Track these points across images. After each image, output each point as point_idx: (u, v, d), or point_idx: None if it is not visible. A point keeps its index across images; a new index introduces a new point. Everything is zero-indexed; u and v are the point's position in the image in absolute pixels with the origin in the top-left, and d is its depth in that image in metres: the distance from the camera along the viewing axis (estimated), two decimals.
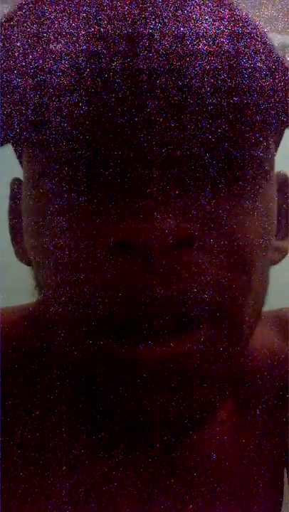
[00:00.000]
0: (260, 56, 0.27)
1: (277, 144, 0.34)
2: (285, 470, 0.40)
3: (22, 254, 0.36)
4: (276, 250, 0.36)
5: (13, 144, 0.35)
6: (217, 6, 0.27)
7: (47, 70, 0.27)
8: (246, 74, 0.27)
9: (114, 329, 0.28)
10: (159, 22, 0.26)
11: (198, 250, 0.27)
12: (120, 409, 0.30)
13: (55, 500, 0.35)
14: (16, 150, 0.36)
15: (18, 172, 0.36)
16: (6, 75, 0.27)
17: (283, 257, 0.37)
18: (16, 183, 0.39)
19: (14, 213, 0.38)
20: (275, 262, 0.36)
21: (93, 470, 0.35)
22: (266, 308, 0.40)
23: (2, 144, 0.29)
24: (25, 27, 0.28)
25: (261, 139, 0.29)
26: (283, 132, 0.34)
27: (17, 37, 0.28)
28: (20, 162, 0.35)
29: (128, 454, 0.35)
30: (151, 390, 0.28)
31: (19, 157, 0.36)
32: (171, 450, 0.36)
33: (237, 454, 0.37)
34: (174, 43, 0.26)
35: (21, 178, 0.36)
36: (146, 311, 0.27)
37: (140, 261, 0.26)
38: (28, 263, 0.35)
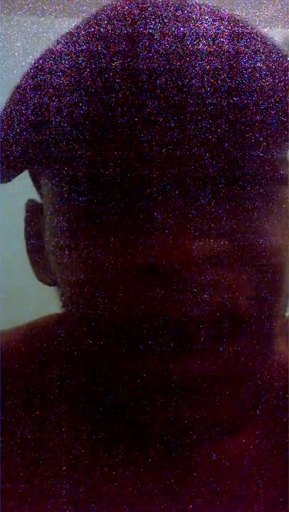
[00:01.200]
0: (260, 56, 0.27)
1: (285, 143, 0.34)
2: None
3: (43, 275, 0.36)
4: None
5: (32, 170, 0.34)
6: (217, 6, 0.27)
7: (47, 70, 0.27)
8: (246, 74, 0.27)
9: (138, 344, 0.28)
10: (159, 22, 0.26)
11: (220, 264, 0.28)
12: (120, 409, 0.30)
13: (55, 500, 0.35)
14: (33, 174, 0.35)
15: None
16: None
17: None
18: (30, 204, 0.38)
19: (31, 235, 0.38)
20: None
21: (93, 470, 0.35)
22: None
23: (20, 171, 0.29)
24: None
25: (261, 139, 0.29)
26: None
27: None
28: (37, 186, 0.35)
29: (128, 454, 0.35)
30: (153, 394, 0.28)
31: (37, 182, 0.35)
32: (171, 450, 0.36)
33: (237, 454, 0.37)
34: (174, 43, 0.26)
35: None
36: (170, 326, 0.27)
37: (170, 282, 0.27)
38: (51, 283, 0.35)
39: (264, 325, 0.30)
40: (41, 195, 0.35)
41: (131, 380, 0.29)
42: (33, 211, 0.38)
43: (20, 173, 0.31)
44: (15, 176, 0.30)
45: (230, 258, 0.28)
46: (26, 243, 0.38)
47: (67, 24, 0.30)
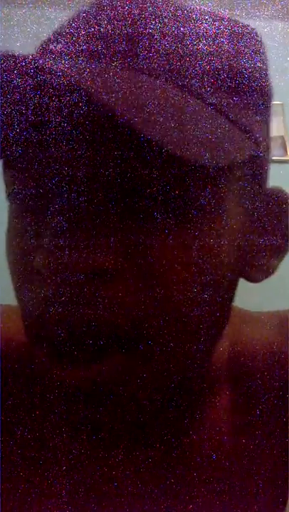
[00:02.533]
0: (260, 56, 0.27)
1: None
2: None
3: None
4: (259, 268, 0.34)
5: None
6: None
7: (47, 70, 0.27)
8: (246, 74, 0.27)
9: (47, 347, 0.29)
10: (159, 22, 0.26)
11: (111, 278, 0.27)
12: (120, 409, 0.30)
13: (55, 500, 0.35)
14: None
15: None
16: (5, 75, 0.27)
17: (267, 276, 0.34)
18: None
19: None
20: (255, 280, 0.34)
21: (93, 470, 0.35)
22: (267, 309, 0.40)
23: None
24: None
25: (261, 139, 0.29)
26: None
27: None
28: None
29: (128, 454, 0.35)
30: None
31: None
32: (171, 450, 0.36)
33: (237, 454, 0.37)
34: (174, 43, 0.26)
35: None
36: (63, 334, 0.28)
37: (57, 289, 0.27)
38: None
39: (160, 332, 0.29)
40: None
41: (131, 380, 0.29)
42: None
43: None
44: None
45: (121, 275, 0.28)
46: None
47: (67, 24, 0.30)
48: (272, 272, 0.34)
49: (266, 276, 0.34)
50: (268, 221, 0.33)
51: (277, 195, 0.34)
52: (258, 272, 0.34)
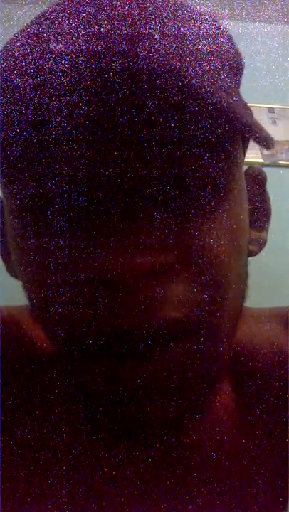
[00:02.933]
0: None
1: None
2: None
3: (12, 270, 0.36)
4: (254, 242, 0.37)
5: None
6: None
7: (47, 70, 0.27)
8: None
9: (94, 347, 0.29)
10: (159, 22, 0.26)
11: (167, 276, 0.28)
12: (120, 409, 0.30)
13: (55, 500, 0.35)
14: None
15: None
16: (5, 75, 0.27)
17: (261, 248, 0.38)
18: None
19: (3, 230, 0.38)
20: (253, 254, 0.36)
21: (93, 470, 0.35)
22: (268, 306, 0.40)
23: None
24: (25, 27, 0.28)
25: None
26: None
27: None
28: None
29: (128, 454, 0.35)
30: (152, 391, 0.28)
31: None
32: (171, 450, 0.36)
33: (237, 453, 0.37)
34: (174, 43, 0.26)
35: None
36: (121, 333, 0.28)
37: (115, 292, 0.27)
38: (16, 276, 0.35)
39: (212, 325, 0.30)
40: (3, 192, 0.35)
41: (131, 380, 0.29)
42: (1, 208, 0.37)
43: None
44: None
45: (181, 268, 0.28)
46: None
47: (67, 24, 0.30)
48: (265, 244, 0.37)
49: (261, 249, 0.37)
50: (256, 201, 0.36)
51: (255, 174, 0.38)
52: (255, 246, 0.36)
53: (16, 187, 0.30)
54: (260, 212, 0.38)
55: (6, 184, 0.31)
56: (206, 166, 0.28)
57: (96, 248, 0.27)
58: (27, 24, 0.30)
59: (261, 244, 0.37)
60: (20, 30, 0.30)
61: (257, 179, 0.38)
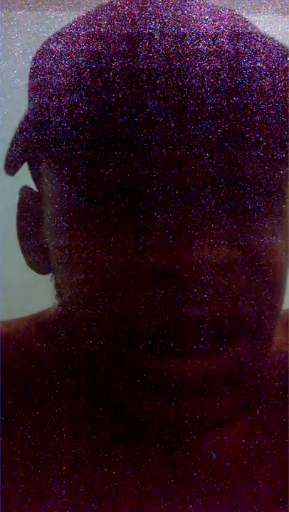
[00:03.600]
0: (260, 56, 0.27)
1: (284, 143, 0.34)
2: None
3: (37, 263, 0.36)
4: None
5: (30, 163, 0.34)
6: (217, 6, 0.27)
7: (47, 70, 0.27)
8: (246, 74, 0.26)
9: (151, 342, 0.28)
10: (159, 22, 0.26)
11: (232, 271, 0.28)
12: (121, 410, 0.30)
13: (55, 500, 0.35)
14: (31, 165, 0.35)
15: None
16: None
17: None
18: (25, 191, 0.38)
19: (24, 221, 0.37)
20: None
21: (93, 470, 0.35)
22: None
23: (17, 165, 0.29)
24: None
25: (261, 139, 0.29)
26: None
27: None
28: (34, 175, 0.35)
29: (128, 454, 0.35)
30: (156, 393, 0.29)
31: (34, 170, 0.35)
32: (171, 450, 0.36)
33: (237, 454, 0.37)
34: (174, 43, 0.26)
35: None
36: (183, 327, 0.28)
37: (182, 287, 0.27)
38: (44, 271, 0.35)
39: (264, 325, 0.30)
40: (38, 184, 0.35)
41: (131, 380, 0.29)
42: (29, 198, 0.37)
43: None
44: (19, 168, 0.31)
45: (237, 263, 0.29)
46: (19, 229, 0.38)
47: (67, 24, 0.30)
48: None
49: None
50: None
51: None
52: None
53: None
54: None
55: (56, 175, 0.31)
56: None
57: (162, 241, 0.27)
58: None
59: None
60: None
61: None
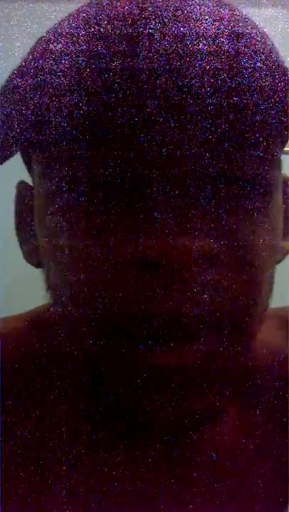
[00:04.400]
0: (260, 56, 0.27)
1: (283, 143, 0.34)
2: None
3: (31, 256, 0.36)
4: (279, 249, 0.36)
5: (24, 151, 0.34)
6: (217, 6, 0.27)
7: (47, 70, 0.27)
8: (246, 74, 0.26)
9: (130, 332, 0.28)
10: (159, 22, 0.26)
11: (213, 262, 0.28)
12: (121, 409, 0.30)
13: (55, 500, 0.35)
14: (25, 154, 0.35)
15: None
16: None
17: (284, 256, 0.37)
18: (22, 185, 0.38)
19: (21, 215, 0.38)
20: (277, 262, 0.36)
21: (93, 470, 0.35)
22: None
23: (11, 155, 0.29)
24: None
25: (261, 139, 0.29)
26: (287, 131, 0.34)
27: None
28: (28, 167, 0.35)
29: (128, 454, 0.35)
30: (152, 391, 0.28)
31: (28, 161, 0.35)
32: (171, 450, 0.36)
33: (237, 454, 0.37)
34: (174, 43, 0.26)
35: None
36: (163, 316, 0.27)
37: (162, 276, 0.27)
38: (38, 264, 0.35)
39: (244, 321, 0.30)
40: (33, 178, 0.35)
41: (131, 379, 0.29)
42: (25, 192, 0.37)
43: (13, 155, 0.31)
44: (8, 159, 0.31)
45: (227, 258, 0.29)
46: (16, 223, 0.38)
47: (67, 24, 0.30)
48: (287, 253, 0.37)
49: (285, 257, 0.37)
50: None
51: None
52: (280, 254, 0.36)
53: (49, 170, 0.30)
54: (285, 220, 0.38)
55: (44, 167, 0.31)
56: (206, 166, 0.28)
57: (143, 230, 0.27)
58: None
59: (285, 253, 0.37)
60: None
61: (285, 187, 0.38)
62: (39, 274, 0.35)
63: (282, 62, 0.28)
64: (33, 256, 0.36)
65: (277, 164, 0.32)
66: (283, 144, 0.34)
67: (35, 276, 0.35)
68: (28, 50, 0.30)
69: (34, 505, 0.35)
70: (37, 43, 0.30)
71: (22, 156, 0.35)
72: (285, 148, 0.33)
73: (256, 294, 0.30)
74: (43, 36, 0.30)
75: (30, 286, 0.36)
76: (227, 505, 0.36)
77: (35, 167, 0.32)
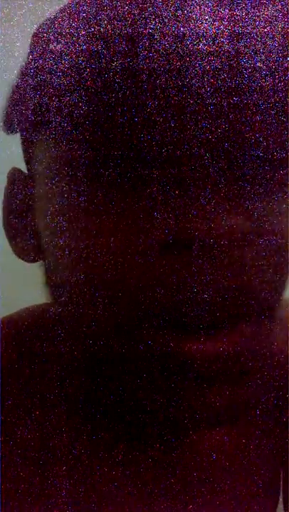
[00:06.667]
0: (260, 56, 0.27)
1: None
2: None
3: (26, 251, 0.35)
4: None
5: (23, 139, 0.33)
6: (217, 6, 0.27)
7: (47, 70, 0.27)
8: (246, 74, 0.27)
9: (163, 322, 0.27)
10: (159, 22, 0.26)
11: (250, 247, 0.28)
12: (121, 409, 0.30)
13: (55, 500, 0.35)
14: (26, 148, 0.34)
15: None
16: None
17: None
18: (15, 173, 0.36)
19: (12, 207, 0.36)
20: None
21: (93, 470, 0.35)
22: None
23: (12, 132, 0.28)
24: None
25: (261, 139, 0.29)
26: None
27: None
28: (28, 162, 0.34)
29: (128, 454, 0.35)
30: (155, 390, 0.28)
31: (28, 156, 0.34)
32: (171, 450, 0.36)
33: (237, 454, 0.37)
34: (174, 43, 0.26)
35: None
36: (187, 308, 0.27)
37: (193, 259, 0.26)
38: (33, 260, 0.34)
39: (271, 305, 0.30)
40: (30, 165, 0.34)
41: (131, 379, 0.29)
42: (19, 181, 0.36)
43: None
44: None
45: (250, 238, 0.28)
46: (4, 215, 0.36)
47: (67, 24, 0.30)
48: None
49: None
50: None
51: None
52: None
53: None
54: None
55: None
56: (206, 166, 0.28)
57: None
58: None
59: None
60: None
61: None
62: (36, 272, 0.34)
63: (283, 62, 0.28)
64: (26, 249, 0.35)
65: (281, 163, 0.31)
66: (285, 144, 0.33)
67: (33, 275, 0.34)
68: (28, 49, 0.30)
69: (34, 505, 0.35)
70: (36, 42, 0.30)
71: (22, 138, 0.34)
72: None
73: (285, 286, 0.30)
74: (42, 35, 0.30)
75: (28, 285, 0.35)
76: (227, 506, 0.36)
77: (47, 171, 0.31)
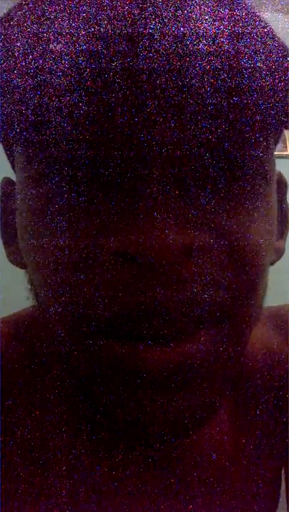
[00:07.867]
0: (260, 56, 0.27)
1: (276, 142, 0.34)
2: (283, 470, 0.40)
3: (15, 257, 0.36)
4: (274, 250, 0.36)
5: (6, 146, 0.34)
6: (217, 6, 0.27)
7: (47, 70, 0.27)
8: (246, 74, 0.27)
9: (116, 330, 0.28)
10: (159, 22, 0.26)
11: (201, 256, 0.28)
12: (120, 409, 0.30)
13: (55, 500, 0.35)
14: (8, 152, 0.35)
15: None
16: (6, 75, 0.27)
17: (280, 257, 0.37)
18: (6, 182, 0.38)
19: (5, 214, 0.38)
20: (272, 262, 0.36)
21: (93, 470, 0.35)
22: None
23: None
24: (25, 27, 0.28)
25: (261, 139, 0.29)
26: (282, 131, 0.34)
27: (16, 37, 0.28)
28: (13, 164, 0.35)
29: (128, 454, 0.35)
30: (152, 390, 0.28)
31: (11, 159, 0.35)
32: (171, 450, 0.36)
33: (237, 454, 0.37)
34: (174, 43, 0.26)
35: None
36: (148, 313, 0.27)
37: (142, 271, 0.26)
38: (22, 265, 0.35)
39: (239, 312, 0.30)
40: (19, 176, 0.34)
41: (131, 379, 0.29)
42: (9, 189, 0.37)
43: None
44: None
45: (225, 256, 0.28)
46: (1, 223, 0.38)
47: (67, 24, 0.30)
48: (283, 253, 0.37)
49: (279, 258, 0.37)
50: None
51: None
52: (274, 254, 0.36)
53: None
54: (280, 220, 0.37)
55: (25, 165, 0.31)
56: (206, 166, 0.28)
57: (143, 231, 0.26)
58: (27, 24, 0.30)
59: (280, 254, 0.37)
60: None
61: (278, 185, 0.38)
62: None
63: (283, 62, 0.28)
64: (17, 257, 0.35)
65: (273, 163, 0.32)
66: (276, 143, 0.34)
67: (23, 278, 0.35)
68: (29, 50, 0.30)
69: (34, 505, 0.35)
70: (36, 40, 0.30)
71: (6, 153, 0.35)
72: (285, 152, 0.33)
73: (251, 292, 0.30)
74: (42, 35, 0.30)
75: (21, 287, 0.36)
76: (227, 506, 0.36)
77: (47, 171, 0.32)
